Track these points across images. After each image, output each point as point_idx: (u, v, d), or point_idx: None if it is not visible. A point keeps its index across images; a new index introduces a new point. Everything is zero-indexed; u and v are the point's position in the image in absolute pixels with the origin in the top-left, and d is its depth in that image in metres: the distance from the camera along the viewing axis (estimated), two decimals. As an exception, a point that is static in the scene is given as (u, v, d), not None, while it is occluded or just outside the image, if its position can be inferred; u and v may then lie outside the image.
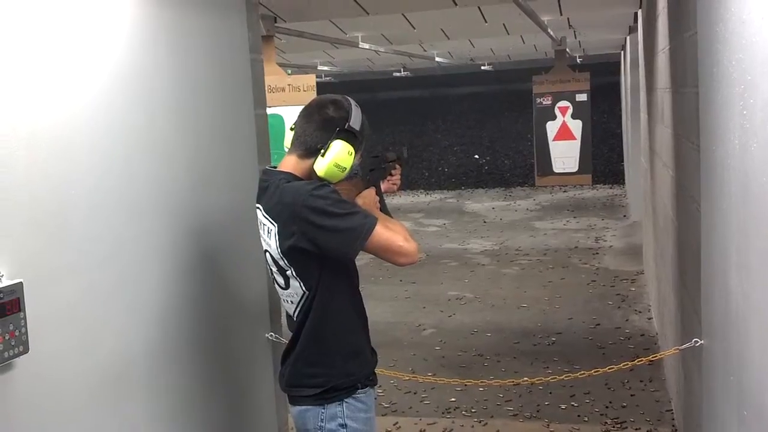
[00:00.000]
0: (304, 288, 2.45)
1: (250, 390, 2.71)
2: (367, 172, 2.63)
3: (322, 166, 2.43)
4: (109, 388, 2.34)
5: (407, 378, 4.41)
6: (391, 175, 2.75)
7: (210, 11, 3.02)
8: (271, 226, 2.44)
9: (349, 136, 2.46)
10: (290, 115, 6.90)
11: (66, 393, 2.16)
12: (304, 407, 2.54)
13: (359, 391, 2.54)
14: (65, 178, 2.18)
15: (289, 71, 11.72)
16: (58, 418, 2.13)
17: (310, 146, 2.47)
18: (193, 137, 2.87)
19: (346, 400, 2.51)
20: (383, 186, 2.74)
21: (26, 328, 1.99)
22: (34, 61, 2.08)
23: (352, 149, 2.46)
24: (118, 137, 2.43)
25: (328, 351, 2.51)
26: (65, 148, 2.18)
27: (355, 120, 2.49)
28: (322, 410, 2.50)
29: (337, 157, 2.43)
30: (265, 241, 2.50)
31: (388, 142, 16.88)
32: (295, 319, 2.53)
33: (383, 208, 2.67)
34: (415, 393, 5.37)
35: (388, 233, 2.38)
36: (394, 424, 4.87)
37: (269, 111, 3.76)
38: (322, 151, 2.44)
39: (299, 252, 2.39)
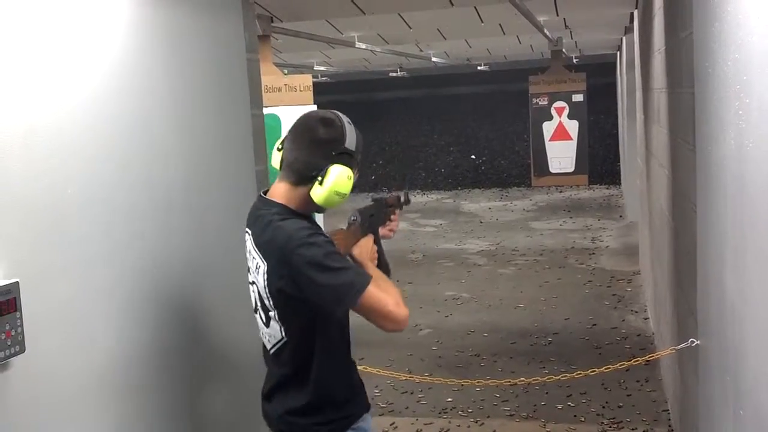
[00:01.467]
0: (283, 334, 2.32)
1: (244, 389, 2.70)
2: (367, 218, 2.48)
3: (321, 193, 2.25)
4: (104, 388, 2.33)
5: (404, 378, 4.42)
6: (390, 220, 2.61)
7: (206, 11, 3.02)
8: (261, 263, 2.29)
9: (346, 158, 2.28)
10: (287, 115, 6.88)
11: (62, 392, 2.15)
12: None
13: (358, 420, 2.40)
14: (60, 178, 2.17)
15: (286, 71, 11.71)
16: (54, 417, 2.12)
17: (303, 174, 2.27)
18: (189, 137, 2.86)
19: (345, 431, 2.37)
20: (381, 232, 2.58)
21: (23, 328, 1.98)
22: (30, 60, 2.07)
23: (351, 173, 2.28)
24: (113, 137, 2.42)
25: (321, 400, 2.34)
26: (60, 147, 2.17)
27: (350, 140, 2.30)
28: None
29: (337, 184, 2.24)
30: (252, 274, 2.37)
31: (386, 148, 16.91)
32: (271, 353, 2.39)
33: (381, 259, 2.52)
34: (411, 393, 5.37)
35: (380, 295, 2.21)
36: (390, 424, 4.87)
37: (266, 111, 3.75)
38: (320, 178, 2.24)
39: (286, 297, 2.25)
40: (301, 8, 7.21)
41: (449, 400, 5.23)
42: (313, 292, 2.19)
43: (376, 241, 2.52)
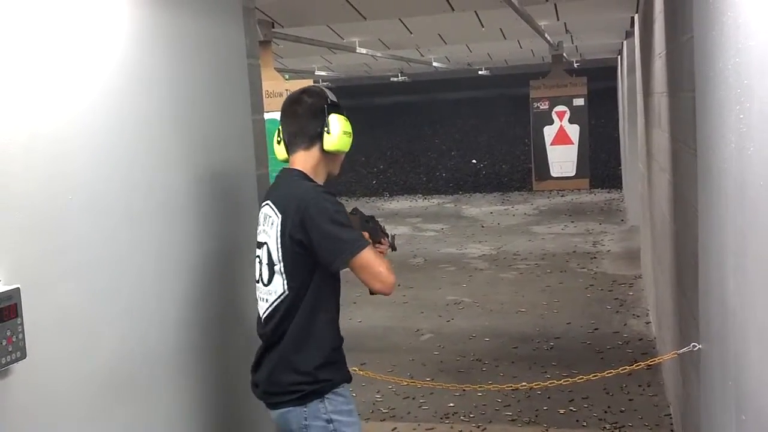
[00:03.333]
0: (285, 287, 2.51)
1: (249, 393, 2.70)
2: (365, 220, 2.75)
3: (333, 140, 2.61)
4: (107, 394, 2.33)
5: (405, 383, 4.41)
6: (380, 242, 2.81)
7: (207, 16, 3.02)
8: (276, 218, 2.53)
9: (335, 108, 2.66)
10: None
11: (64, 399, 2.15)
12: (284, 409, 2.57)
13: (339, 386, 2.58)
14: (62, 183, 2.17)
15: (287, 76, 11.73)
16: (56, 424, 2.11)
17: (311, 134, 2.62)
18: (191, 142, 2.86)
19: (326, 396, 2.54)
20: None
21: (24, 334, 1.98)
22: (32, 67, 2.08)
23: (345, 117, 2.66)
24: (115, 143, 2.42)
25: (309, 360, 2.54)
26: (62, 153, 2.17)
27: (331, 95, 2.70)
28: (304, 409, 2.53)
29: (342, 126, 2.62)
30: (265, 232, 2.58)
31: (387, 152, 16.90)
32: (263, 319, 2.58)
33: None
34: (413, 398, 5.36)
35: (375, 258, 2.49)
36: (392, 429, 4.86)
37: (267, 116, 3.76)
38: (326, 128, 2.60)
39: (294, 245, 2.47)
40: (302, 13, 7.22)
41: (451, 405, 5.22)
42: (318, 240, 2.45)
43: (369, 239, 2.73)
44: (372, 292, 2.56)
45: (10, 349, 1.94)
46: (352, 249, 2.45)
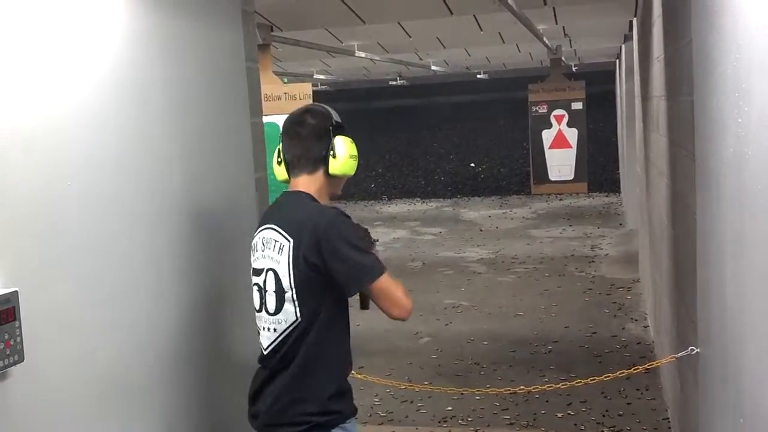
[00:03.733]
0: (298, 313, 2.39)
1: (244, 403, 2.69)
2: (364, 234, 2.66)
3: (339, 164, 2.51)
4: (103, 400, 2.32)
5: (403, 387, 4.41)
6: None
7: (205, 19, 3.02)
8: (285, 242, 2.40)
9: (340, 129, 2.55)
10: (286, 123, 6.90)
11: (61, 402, 2.15)
12: None
13: (347, 421, 2.46)
14: (60, 187, 2.17)
15: (285, 80, 11.73)
16: (55, 426, 2.11)
17: (316, 157, 2.51)
18: (189, 144, 2.86)
19: (333, 430, 2.43)
20: None
21: (21, 337, 1.98)
22: (27, 69, 2.08)
23: (351, 139, 2.56)
24: (112, 146, 2.41)
25: (317, 388, 2.41)
26: (59, 157, 2.17)
27: (335, 115, 2.58)
28: None
29: (347, 150, 2.52)
30: (270, 258, 2.44)
31: (386, 156, 16.91)
32: (266, 350, 2.46)
33: None
34: (411, 402, 5.36)
35: (393, 284, 2.41)
36: (390, 433, 4.86)
37: (265, 119, 3.76)
38: (332, 152, 2.50)
39: (309, 270, 2.36)
40: (301, 17, 7.23)
41: (449, 408, 5.22)
42: (337, 265, 2.35)
43: None
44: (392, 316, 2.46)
45: (8, 353, 1.93)
46: (372, 274, 2.36)
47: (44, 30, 2.13)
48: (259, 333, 2.53)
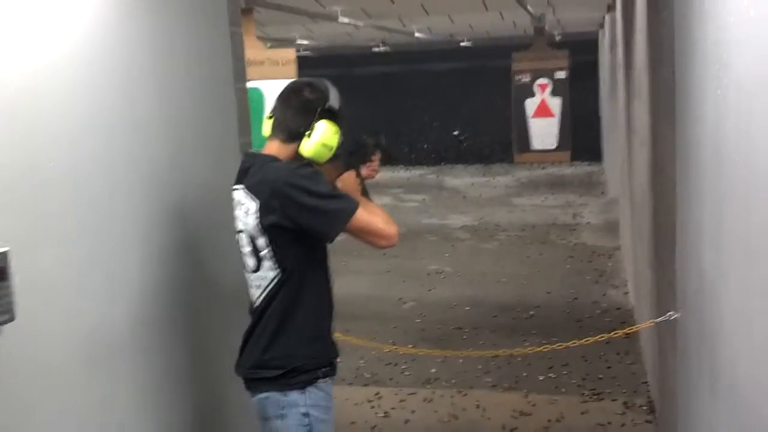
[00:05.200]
0: (277, 268, 2.45)
1: (231, 362, 2.74)
2: (348, 155, 2.64)
3: (309, 147, 2.47)
4: (92, 355, 2.37)
5: (387, 350, 4.48)
6: (370, 161, 2.75)
7: (190, -17, 3.03)
8: (251, 204, 2.45)
9: (331, 115, 2.50)
10: (269, 89, 6.88)
11: (50, 359, 2.20)
12: (263, 395, 2.52)
13: (320, 380, 2.52)
14: (45, 151, 2.20)
15: (269, 44, 11.67)
16: (44, 382, 2.17)
17: (293, 130, 2.49)
18: (173, 110, 2.88)
19: (308, 388, 2.49)
20: (363, 172, 2.74)
21: (12, 296, 2.02)
22: (18, 39, 2.10)
23: (337, 128, 2.50)
24: (97, 110, 2.44)
25: (293, 332, 2.49)
26: (45, 121, 2.20)
27: (334, 100, 2.53)
28: (283, 397, 2.48)
29: (324, 137, 2.47)
30: (241, 220, 2.51)
31: (368, 122, 16.88)
32: (257, 305, 2.53)
33: (364, 192, 2.68)
34: (395, 365, 5.45)
35: (369, 216, 2.44)
36: (375, 394, 4.95)
37: (248, 85, 3.78)
38: (308, 133, 2.47)
39: (278, 229, 2.41)
40: (286, -18, 7.20)
41: (432, 371, 5.31)
42: (306, 218, 2.38)
43: (359, 176, 2.68)
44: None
45: (-1, 311, 1.98)
46: (344, 217, 2.39)
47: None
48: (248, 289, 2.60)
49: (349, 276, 7.29)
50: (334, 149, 2.51)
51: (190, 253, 2.97)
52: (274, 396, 2.49)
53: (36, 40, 2.18)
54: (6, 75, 2.05)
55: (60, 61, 2.28)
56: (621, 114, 8.12)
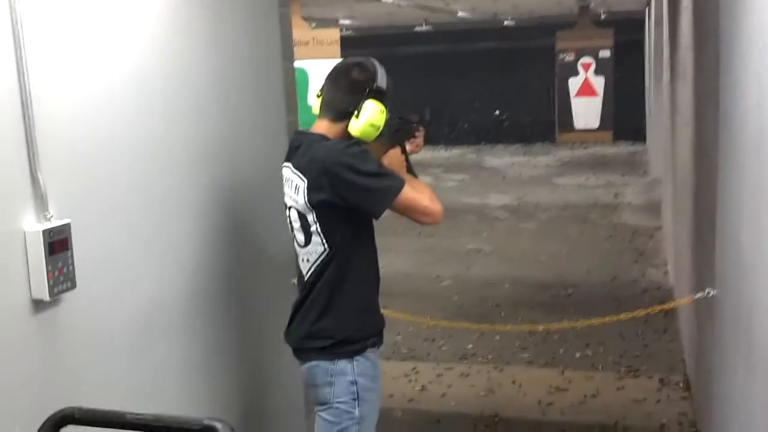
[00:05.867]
0: (326, 244, 2.51)
1: (277, 335, 2.83)
2: (393, 133, 2.68)
3: (357, 126, 2.51)
4: (146, 329, 2.47)
5: (425, 326, 4.53)
6: (414, 136, 2.79)
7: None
8: (300, 182, 2.50)
9: (378, 95, 2.54)
10: (314, 69, 6.95)
11: (109, 327, 2.30)
12: (313, 363, 2.58)
13: (369, 349, 2.59)
14: (110, 130, 2.30)
15: (313, 24, 11.73)
16: (100, 349, 2.27)
17: (341, 110, 2.53)
18: (226, 90, 2.96)
19: (356, 357, 2.55)
20: (408, 148, 2.78)
21: (73, 266, 2.12)
22: (87, 26, 2.19)
23: (383, 108, 2.54)
24: (159, 93, 2.54)
25: (342, 304, 2.55)
26: (110, 100, 2.30)
27: (382, 80, 2.56)
28: (332, 365, 2.54)
29: (371, 117, 2.51)
30: (291, 197, 2.57)
31: (410, 102, 16.89)
32: (307, 278, 2.59)
33: (409, 168, 2.73)
34: (433, 340, 5.52)
35: (415, 194, 2.50)
36: (412, 369, 5.02)
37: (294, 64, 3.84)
38: (356, 112, 2.51)
39: (327, 206, 2.47)
40: (330, -39, 7.22)
41: (469, 347, 5.37)
42: (354, 196, 2.45)
43: (404, 153, 2.72)
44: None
45: (61, 279, 2.08)
46: (389, 195, 2.44)
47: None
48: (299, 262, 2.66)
49: (387, 254, 7.34)
50: (380, 128, 2.55)
51: (241, 229, 3.06)
52: (323, 364, 2.56)
53: (106, 20, 2.28)
54: (78, 64, 2.14)
55: (125, 45, 2.38)
56: (665, 93, 8.04)
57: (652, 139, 12.54)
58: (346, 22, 14.76)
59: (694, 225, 4.17)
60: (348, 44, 11.48)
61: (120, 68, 2.35)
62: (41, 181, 2.02)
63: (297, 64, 4.05)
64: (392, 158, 2.65)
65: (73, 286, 2.12)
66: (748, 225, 2.29)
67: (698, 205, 3.93)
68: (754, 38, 2.18)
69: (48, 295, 2.02)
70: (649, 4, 13.70)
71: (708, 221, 3.30)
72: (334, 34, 7.92)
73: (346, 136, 2.53)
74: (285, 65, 3.52)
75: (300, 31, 7.50)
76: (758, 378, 2.15)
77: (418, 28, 16.72)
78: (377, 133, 2.55)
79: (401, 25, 16.79)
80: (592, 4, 14.04)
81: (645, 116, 14.97)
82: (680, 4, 5.54)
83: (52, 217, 2.06)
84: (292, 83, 3.66)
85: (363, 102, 2.51)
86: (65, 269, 2.10)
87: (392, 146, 2.68)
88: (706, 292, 3.08)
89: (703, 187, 3.62)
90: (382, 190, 2.45)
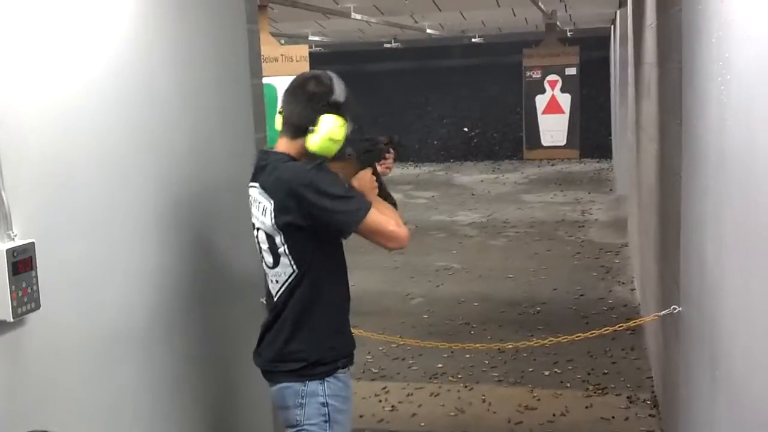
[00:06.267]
0: (294, 266, 2.49)
1: (246, 354, 2.81)
2: (362, 154, 2.65)
3: (316, 141, 2.46)
4: (111, 348, 2.43)
5: (395, 345, 4.52)
6: (384, 158, 2.76)
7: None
8: (267, 203, 2.47)
9: (336, 108, 2.49)
10: (283, 85, 6.90)
11: (73, 347, 2.26)
12: (283, 384, 2.55)
13: (340, 370, 2.57)
14: (74, 146, 2.27)
15: (282, 41, 11.73)
16: (68, 370, 2.24)
17: (299, 125, 2.49)
18: (193, 106, 2.95)
19: (327, 379, 2.53)
20: (378, 169, 2.75)
21: (38, 286, 2.08)
22: (52, 30, 2.16)
23: (342, 121, 2.49)
24: (121, 106, 2.51)
25: (313, 326, 2.52)
26: (73, 118, 2.27)
27: (339, 92, 2.51)
28: (303, 387, 2.52)
29: (330, 131, 2.46)
30: (258, 219, 2.54)
31: (379, 119, 16.95)
32: (276, 299, 2.56)
33: (382, 189, 2.71)
34: (403, 359, 5.51)
35: (381, 218, 2.46)
36: (382, 389, 5.00)
37: (262, 81, 3.83)
38: (313, 127, 2.46)
39: (294, 228, 2.44)
40: (298, -21, 7.24)
41: (439, 365, 5.36)
42: (321, 218, 2.41)
43: (375, 174, 2.69)
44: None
45: (25, 300, 2.04)
46: (356, 218, 2.41)
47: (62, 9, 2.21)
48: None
49: (357, 272, 7.33)
50: (340, 143, 2.50)
51: (208, 246, 3.04)
52: (294, 386, 2.53)
53: (69, 35, 2.26)
54: (38, 73, 2.11)
55: (90, 62, 2.35)
56: (630, 110, 8.14)
57: (617, 156, 12.67)
58: (316, 38, 14.79)
59: (659, 242, 4.21)
60: (318, 60, 11.49)
61: (84, 85, 2.32)
62: (5, 199, 1.98)
63: (266, 80, 4.05)
64: (362, 180, 2.61)
65: (38, 306, 2.08)
66: (712, 241, 2.32)
67: (663, 222, 3.97)
68: (715, 56, 2.22)
69: (11, 316, 1.99)
70: (614, 21, 13.89)
71: (673, 238, 3.33)
72: (303, 50, 7.92)
73: (309, 153, 2.49)
74: (253, 82, 3.52)
75: (269, 48, 7.49)
76: (721, 393, 2.17)
77: (387, 45, 16.80)
78: (337, 148, 2.51)
79: (371, 41, 16.86)
80: (558, 22, 14.19)
81: (611, 133, 15.14)
82: (644, 22, 5.63)
83: (16, 236, 2.02)
84: (261, 100, 3.65)
85: (320, 116, 2.47)
86: (29, 289, 2.06)
87: (362, 167, 2.64)
88: (672, 308, 3.11)
89: (668, 204, 3.66)
90: (349, 213, 2.42)
